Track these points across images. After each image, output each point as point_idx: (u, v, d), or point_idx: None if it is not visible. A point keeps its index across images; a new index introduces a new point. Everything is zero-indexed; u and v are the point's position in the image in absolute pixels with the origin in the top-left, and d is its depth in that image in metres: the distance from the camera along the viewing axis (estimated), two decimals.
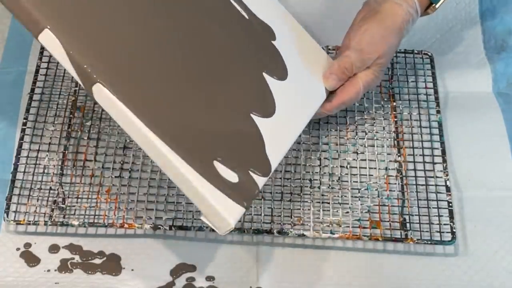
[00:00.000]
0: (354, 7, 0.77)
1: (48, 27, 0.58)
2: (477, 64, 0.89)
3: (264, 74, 0.70)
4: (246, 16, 0.71)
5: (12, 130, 0.83)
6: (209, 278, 0.73)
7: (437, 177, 0.78)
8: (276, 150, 0.67)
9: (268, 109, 0.68)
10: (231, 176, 0.63)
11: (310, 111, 0.73)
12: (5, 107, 0.84)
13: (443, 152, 0.79)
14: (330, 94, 0.75)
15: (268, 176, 0.66)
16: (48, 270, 0.74)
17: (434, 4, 0.74)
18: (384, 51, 0.73)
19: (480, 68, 0.88)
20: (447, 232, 0.74)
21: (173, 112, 0.62)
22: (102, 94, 0.59)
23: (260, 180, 0.65)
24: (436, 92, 0.84)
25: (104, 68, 0.60)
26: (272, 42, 0.72)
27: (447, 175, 0.78)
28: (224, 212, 0.60)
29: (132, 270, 0.74)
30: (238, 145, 0.65)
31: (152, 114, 0.60)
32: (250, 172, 0.64)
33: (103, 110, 0.82)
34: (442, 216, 0.75)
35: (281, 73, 0.71)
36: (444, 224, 0.75)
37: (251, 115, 0.67)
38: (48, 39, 0.59)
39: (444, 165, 0.79)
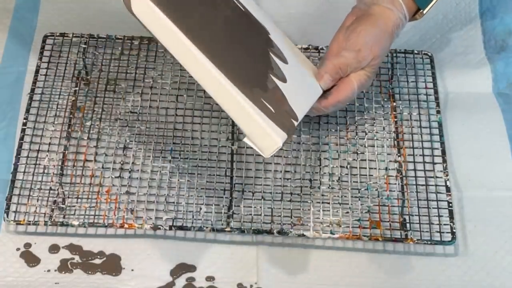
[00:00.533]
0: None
1: None
2: (477, 64, 0.89)
3: (270, 53, 0.71)
4: (243, 9, 0.72)
5: (12, 130, 0.83)
6: (209, 278, 0.73)
7: (437, 177, 0.78)
8: (296, 108, 0.69)
9: (282, 76, 0.70)
10: (271, 108, 0.66)
11: (312, 98, 0.73)
12: (5, 107, 0.84)
13: (443, 152, 0.79)
14: (325, 92, 0.75)
15: (298, 121, 0.68)
16: (48, 270, 0.74)
17: (421, 10, 0.74)
18: (379, 53, 0.73)
19: (480, 68, 0.89)
20: (447, 232, 0.74)
21: (215, 41, 0.65)
22: (144, 6, 0.61)
23: (294, 122, 0.68)
24: (436, 92, 0.84)
25: None
26: (269, 35, 0.73)
27: (447, 175, 0.78)
28: (271, 131, 0.64)
29: (132, 270, 0.74)
30: (269, 91, 0.67)
31: (196, 33, 0.63)
32: (284, 112, 0.67)
33: (103, 110, 0.82)
34: (442, 216, 0.75)
35: (284, 58, 0.72)
36: (444, 224, 0.75)
37: (270, 75, 0.69)
38: None
39: (444, 165, 0.79)
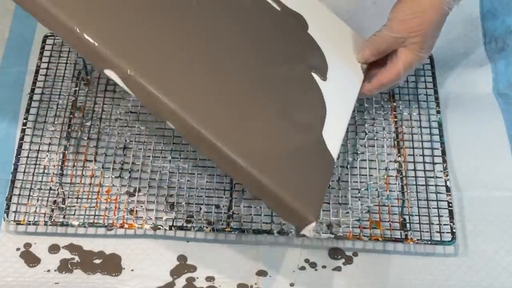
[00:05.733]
0: None
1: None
2: (477, 64, 0.89)
3: (313, 74, 0.68)
4: (278, 8, 0.69)
5: (12, 130, 0.83)
6: (209, 278, 0.73)
7: (437, 177, 0.78)
8: (333, 142, 0.66)
9: (318, 102, 0.66)
10: (297, 172, 0.61)
11: (353, 97, 0.71)
12: (5, 107, 0.84)
13: (443, 152, 0.79)
14: (372, 75, 0.73)
15: (334, 163, 0.65)
16: (48, 270, 0.74)
17: None
18: (417, 27, 0.69)
19: (480, 68, 0.88)
20: (447, 232, 0.74)
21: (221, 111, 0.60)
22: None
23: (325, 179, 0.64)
24: (436, 92, 0.84)
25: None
26: (307, 32, 0.70)
27: (447, 175, 0.78)
28: (301, 209, 0.59)
29: (132, 270, 0.74)
30: (294, 138, 0.63)
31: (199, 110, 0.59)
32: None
33: (103, 110, 0.82)
34: (442, 216, 0.75)
35: (323, 67, 0.69)
36: (444, 224, 0.75)
37: (302, 107, 0.65)
38: None
39: (444, 165, 0.79)
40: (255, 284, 0.73)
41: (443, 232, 0.74)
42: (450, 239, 0.74)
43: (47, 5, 0.56)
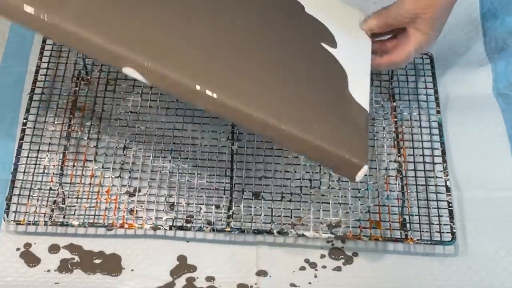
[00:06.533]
0: None
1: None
2: (477, 64, 0.89)
3: (320, 44, 0.71)
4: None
5: (12, 130, 0.83)
6: (209, 278, 0.73)
7: (437, 177, 0.78)
8: (361, 98, 0.69)
9: (338, 67, 0.70)
10: (340, 125, 0.65)
11: (367, 61, 0.73)
12: (5, 107, 0.84)
13: (443, 152, 0.79)
14: (382, 51, 0.76)
15: (368, 116, 0.69)
16: (48, 270, 0.74)
17: None
18: (427, 7, 0.71)
19: (480, 68, 0.88)
20: (447, 232, 0.74)
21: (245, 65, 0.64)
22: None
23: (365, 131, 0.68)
24: (436, 92, 0.84)
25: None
26: (305, 11, 0.73)
27: (447, 175, 0.78)
28: (352, 158, 0.63)
29: (132, 270, 0.74)
30: (331, 99, 0.67)
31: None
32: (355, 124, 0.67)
33: (103, 110, 0.82)
34: (442, 216, 0.75)
35: (332, 41, 0.73)
36: (444, 224, 0.75)
37: (327, 74, 0.69)
38: None
39: (444, 165, 0.79)
40: (255, 284, 0.73)
41: (443, 232, 0.74)
42: (450, 239, 0.74)
43: (55, 21, 0.57)
